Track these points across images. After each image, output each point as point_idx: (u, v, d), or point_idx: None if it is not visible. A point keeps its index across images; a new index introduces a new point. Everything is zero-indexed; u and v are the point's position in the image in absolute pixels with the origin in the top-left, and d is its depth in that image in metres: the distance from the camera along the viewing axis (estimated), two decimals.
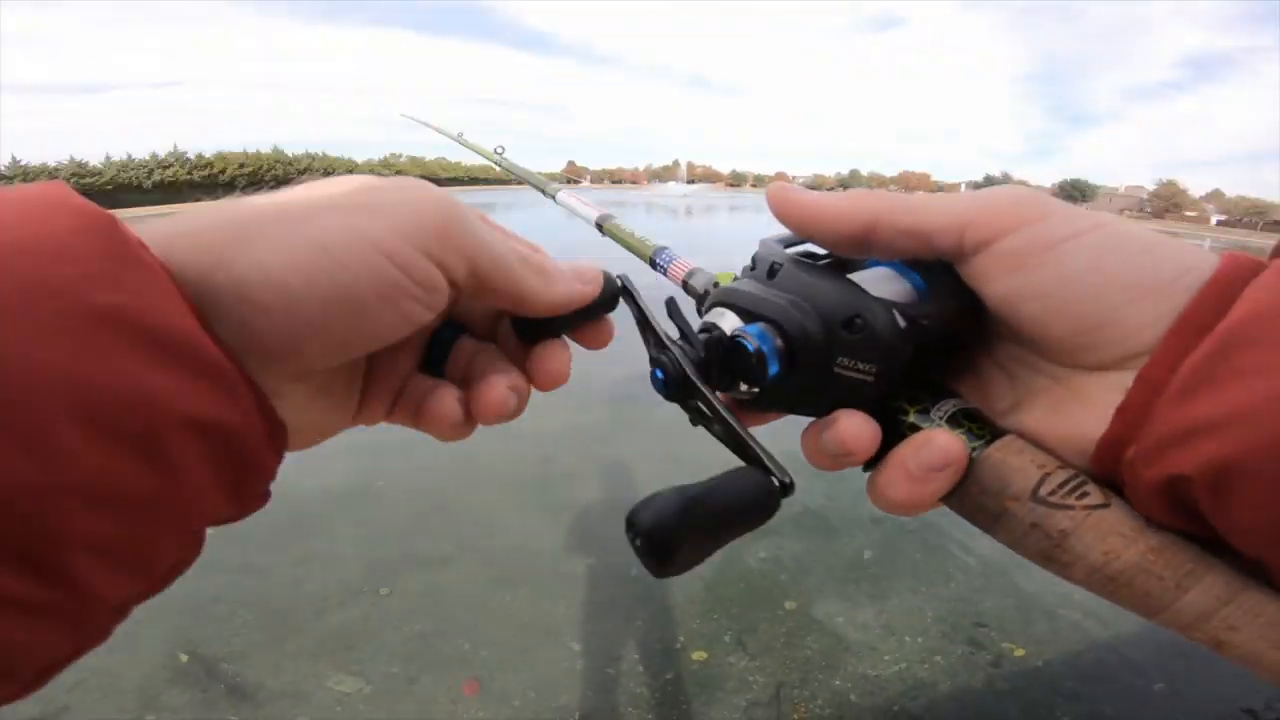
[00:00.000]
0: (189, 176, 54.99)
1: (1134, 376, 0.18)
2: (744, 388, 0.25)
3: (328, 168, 70.89)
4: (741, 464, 0.21)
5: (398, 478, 3.53)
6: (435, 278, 0.20)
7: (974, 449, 0.21)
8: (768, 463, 0.21)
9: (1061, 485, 0.20)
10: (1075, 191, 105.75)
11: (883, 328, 0.21)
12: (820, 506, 3.20)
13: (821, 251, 0.27)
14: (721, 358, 0.25)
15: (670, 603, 2.51)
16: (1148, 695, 2.15)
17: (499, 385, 0.27)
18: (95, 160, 49.69)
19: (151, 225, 0.18)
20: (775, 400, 0.26)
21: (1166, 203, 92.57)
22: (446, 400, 0.28)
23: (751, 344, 0.23)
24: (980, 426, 0.22)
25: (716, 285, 0.30)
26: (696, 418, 0.26)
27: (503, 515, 3.17)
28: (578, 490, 3.35)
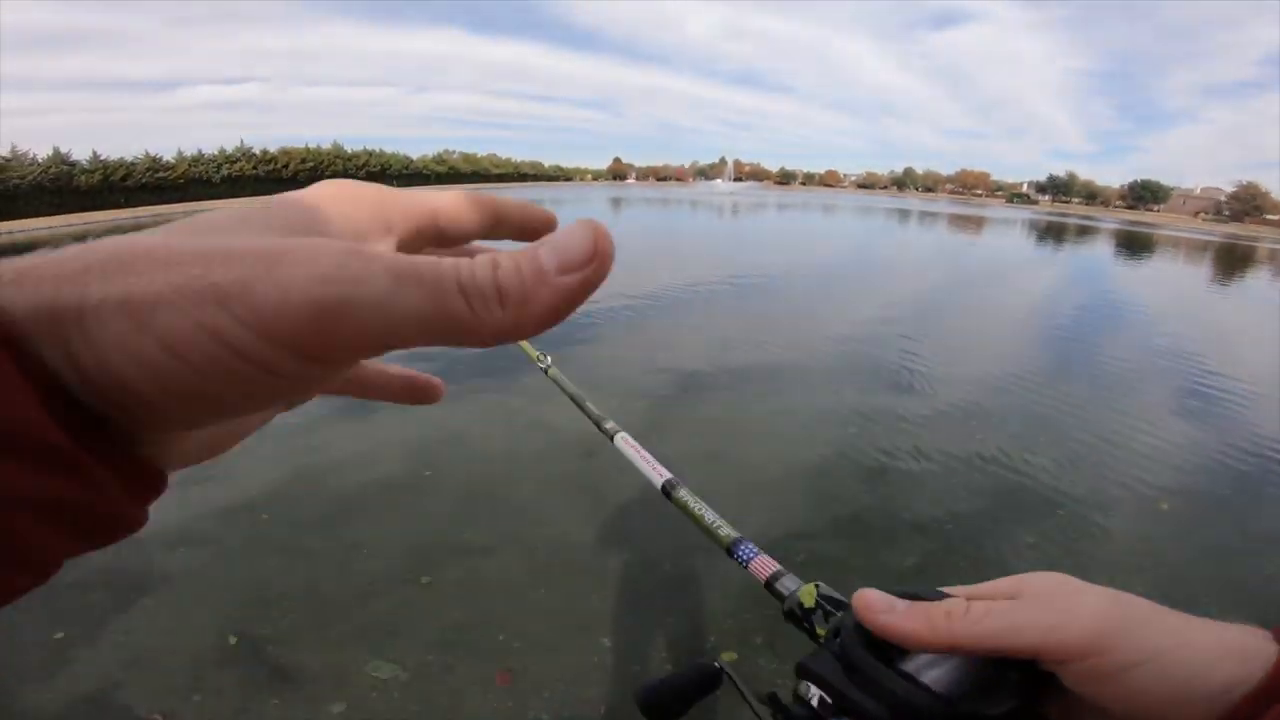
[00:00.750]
0: (254, 171, 57.56)
1: None
2: None
3: (384, 164, 73.04)
4: None
5: (445, 468, 3.60)
6: (310, 375, 0.16)
7: None
8: None
9: None
10: (1145, 192, 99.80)
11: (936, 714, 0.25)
12: (861, 510, 3.11)
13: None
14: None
15: (703, 602, 2.48)
16: None
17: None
18: (168, 155, 52.50)
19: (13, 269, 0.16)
20: None
21: (1246, 205, 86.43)
22: (386, 375, 0.27)
23: None
24: None
25: (801, 607, 0.34)
26: None
27: (544, 508, 3.19)
28: (615, 485, 3.34)
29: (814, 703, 0.28)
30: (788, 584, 0.37)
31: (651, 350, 6.02)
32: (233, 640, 2.32)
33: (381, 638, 2.32)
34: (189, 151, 54.45)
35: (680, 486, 0.46)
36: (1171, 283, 14.54)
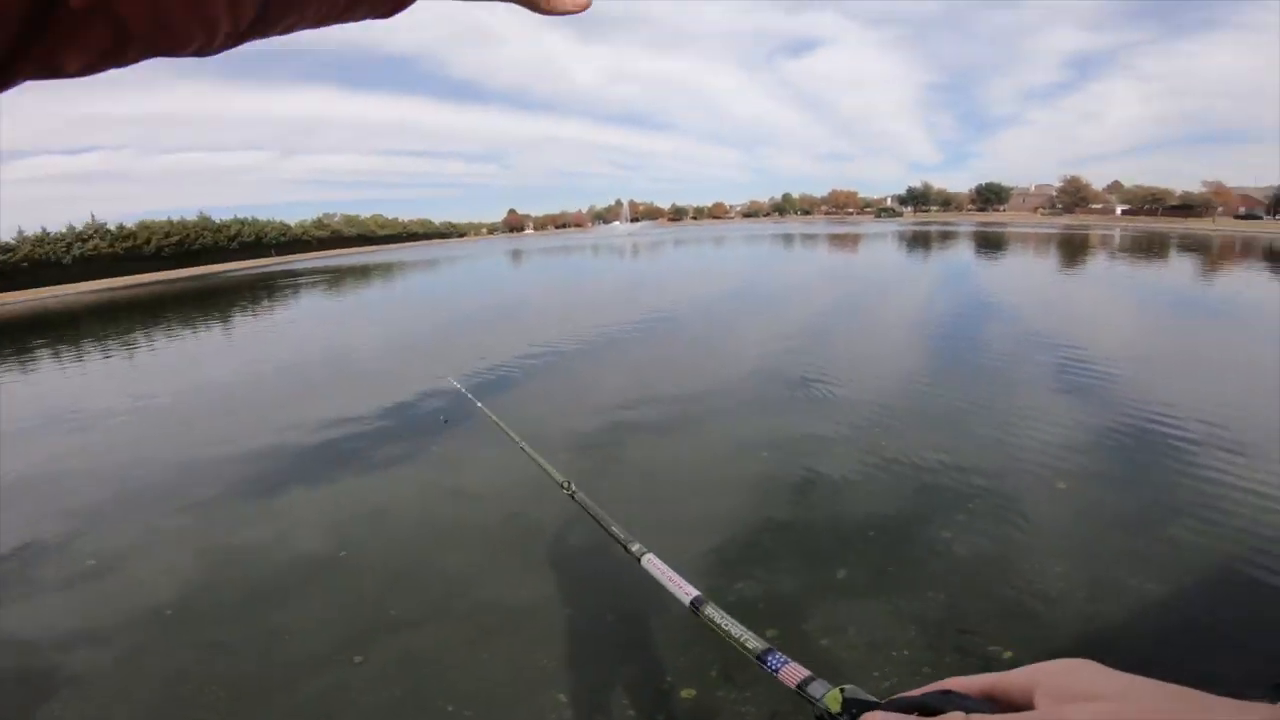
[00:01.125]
0: (111, 249, 52.65)
1: None
2: None
3: (259, 232, 68.94)
4: None
5: (362, 545, 3.41)
6: None
7: None
8: None
9: None
10: (990, 194, 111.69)
11: None
12: (792, 533, 3.22)
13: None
14: None
15: (653, 644, 2.46)
16: None
17: None
18: (7, 235, 47.04)
19: None
20: None
21: (1074, 197, 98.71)
22: None
23: None
24: None
25: (829, 711, 0.37)
26: None
27: (472, 574, 3.08)
28: (546, 542, 3.29)
29: None
30: (817, 689, 0.39)
31: (574, 397, 6.01)
32: None
33: None
34: (31, 230, 49.05)
35: (707, 604, 0.50)
36: (1027, 275, 16.28)
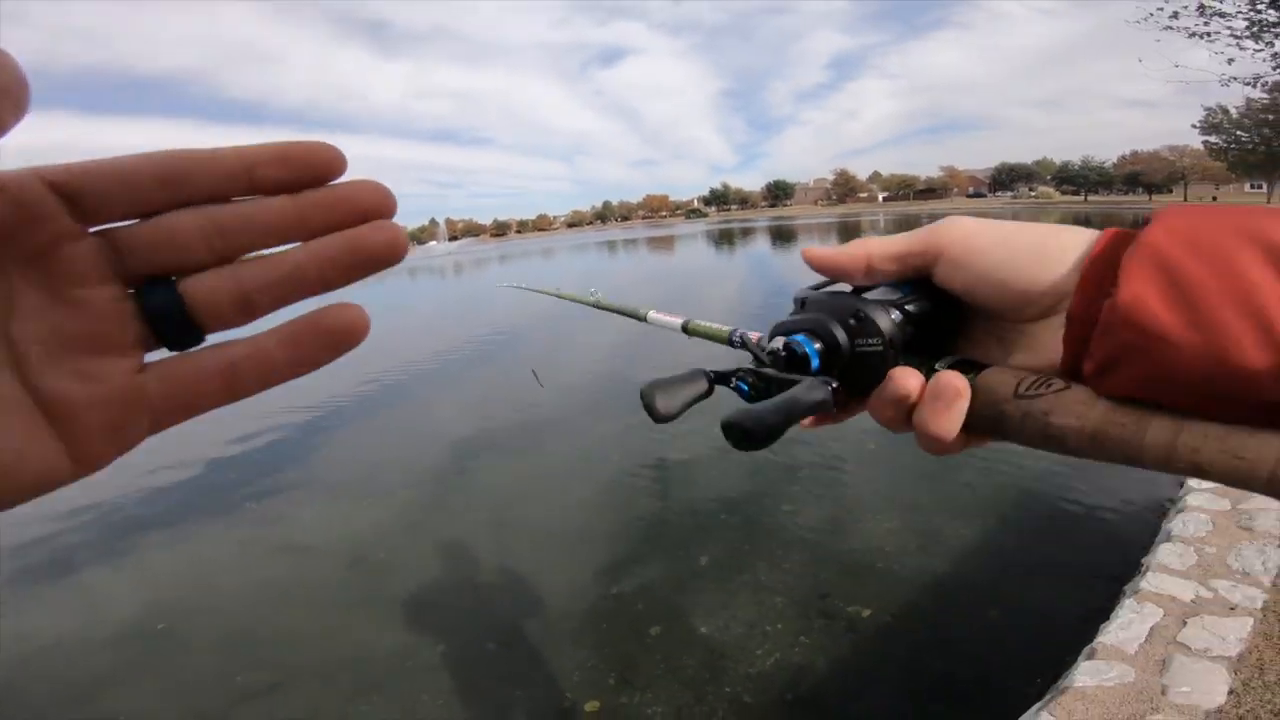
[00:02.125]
0: None
1: (1063, 319, 0.27)
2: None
3: None
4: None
5: (186, 618, 3.01)
6: None
7: (970, 378, 0.29)
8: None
9: (1034, 384, 0.28)
10: (779, 190, 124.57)
11: (878, 316, 0.31)
12: (651, 531, 3.41)
13: (848, 288, 0.35)
14: (785, 358, 0.33)
15: (543, 664, 2.49)
16: (989, 621, 2.43)
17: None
18: None
19: None
20: (843, 393, 0.33)
21: (844, 188, 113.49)
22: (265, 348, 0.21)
23: (797, 348, 0.32)
24: (973, 365, 0.30)
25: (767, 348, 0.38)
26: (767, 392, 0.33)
27: (327, 628, 2.85)
28: (401, 583, 3.12)
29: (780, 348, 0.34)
30: (765, 340, 0.40)
31: (414, 429, 5.71)
32: None
33: None
34: None
35: (692, 320, 0.53)
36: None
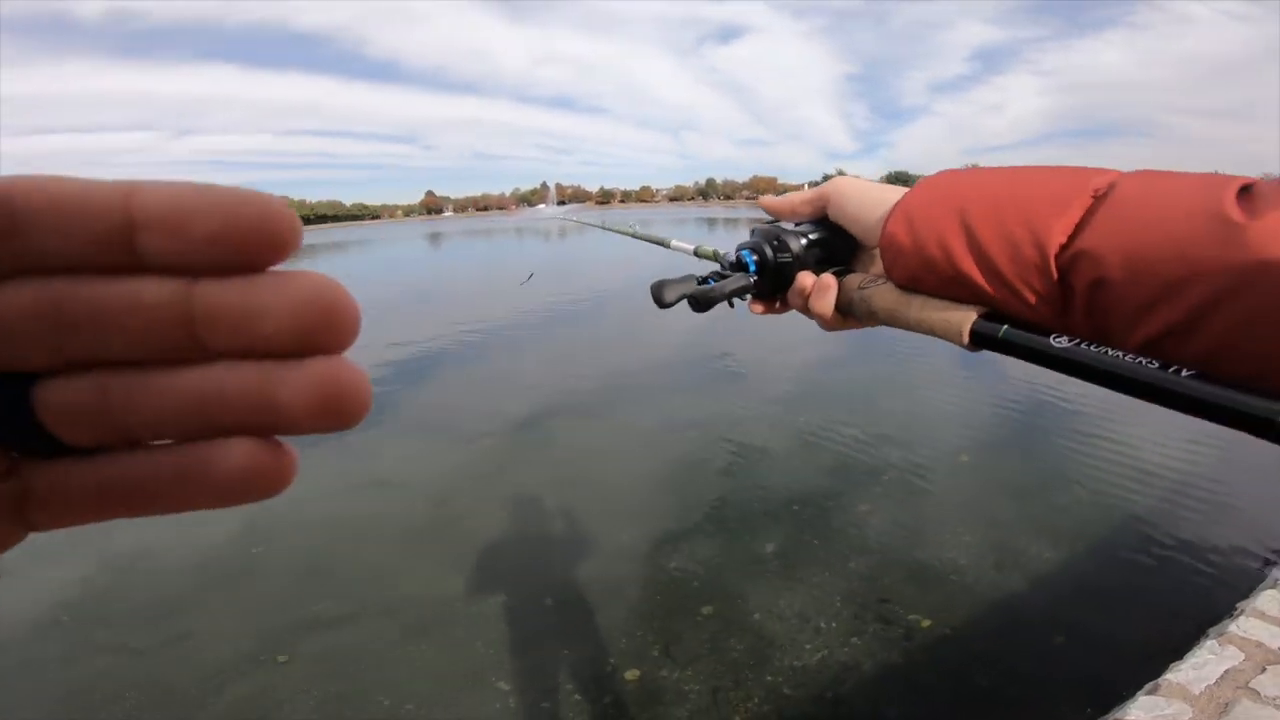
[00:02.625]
0: None
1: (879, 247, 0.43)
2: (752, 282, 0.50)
3: None
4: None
5: (277, 541, 3.25)
6: None
7: (839, 276, 0.47)
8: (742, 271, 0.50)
9: (868, 281, 0.45)
10: (901, 181, 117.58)
11: (790, 241, 0.49)
12: (716, 509, 3.33)
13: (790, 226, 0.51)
14: (734, 264, 0.50)
15: (593, 626, 2.50)
16: (1051, 648, 2.31)
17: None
18: None
19: None
20: (768, 288, 0.51)
21: None
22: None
23: (742, 258, 0.50)
24: (846, 271, 0.48)
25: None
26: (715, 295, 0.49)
27: (399, 566, 3.00)
28: (475, 529, 3.24)
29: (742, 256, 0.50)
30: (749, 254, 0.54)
31: (503, 379, 5.91)
32: None
33: None
34: None
35: (703, 245, 0.67)
36: None
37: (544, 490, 3.61)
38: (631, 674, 2.23)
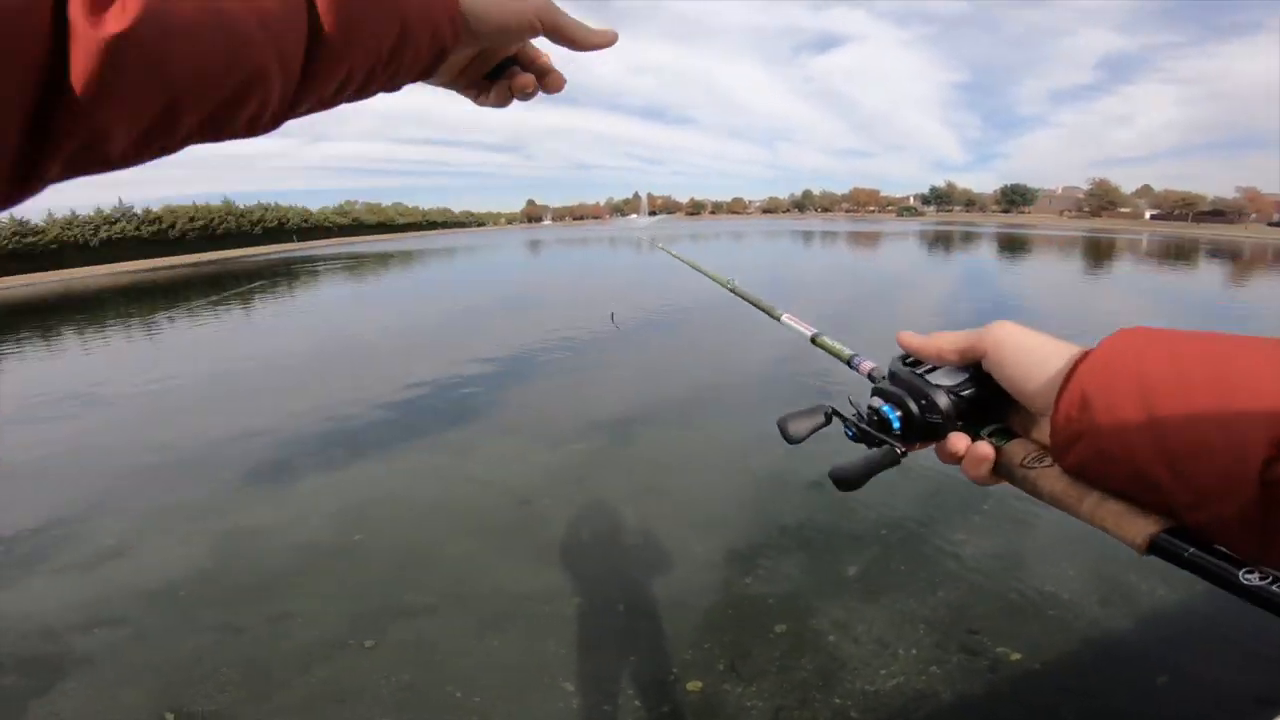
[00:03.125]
0: (137, 232, 53.55)
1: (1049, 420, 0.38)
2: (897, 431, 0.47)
3: (281, 217, 69.59)
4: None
5: (376, 531, 3.45)
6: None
7: (998, 445, 0.42)
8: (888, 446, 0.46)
9: (1032, 458, 0.40)
10: (1016, 196, 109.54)
11: (939, 398, 0.44)
12: (803, 531, 3.20)
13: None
14: (875, 421, 0.47)
15: (661, 635, 2.47)
16: (1153, 688, 2.13)
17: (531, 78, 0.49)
18: (36, 218, 48.00)
19: None
20: (912, 436, 0.46)
21: (1101, 200, 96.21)
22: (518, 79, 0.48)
23: (886, 415, 0.47)
24: (1005, 434, 0.43)
25: (883, 376, 0.51)
26: (865, 442, 0.48)
27: (484, 561, 3.10)
28: (557, 531, 3.30)
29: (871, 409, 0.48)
30: (877, 373, 0.54)
31: (596, 387, 6.03)
32: (170, 717, 2.17)
33: (330, 705, 2.21)
34: (60, 214, 49.94)
35: (822, 335, 0.65)
36: (1052, 278, 16.00)
37: (627, 497, 3.63)
38: (694, 685, 2.18)
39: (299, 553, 3.25)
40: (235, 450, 4.83)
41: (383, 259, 33.34)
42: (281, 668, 2.41)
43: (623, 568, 3.00)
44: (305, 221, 73.83)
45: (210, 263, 43.67)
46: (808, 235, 41.15)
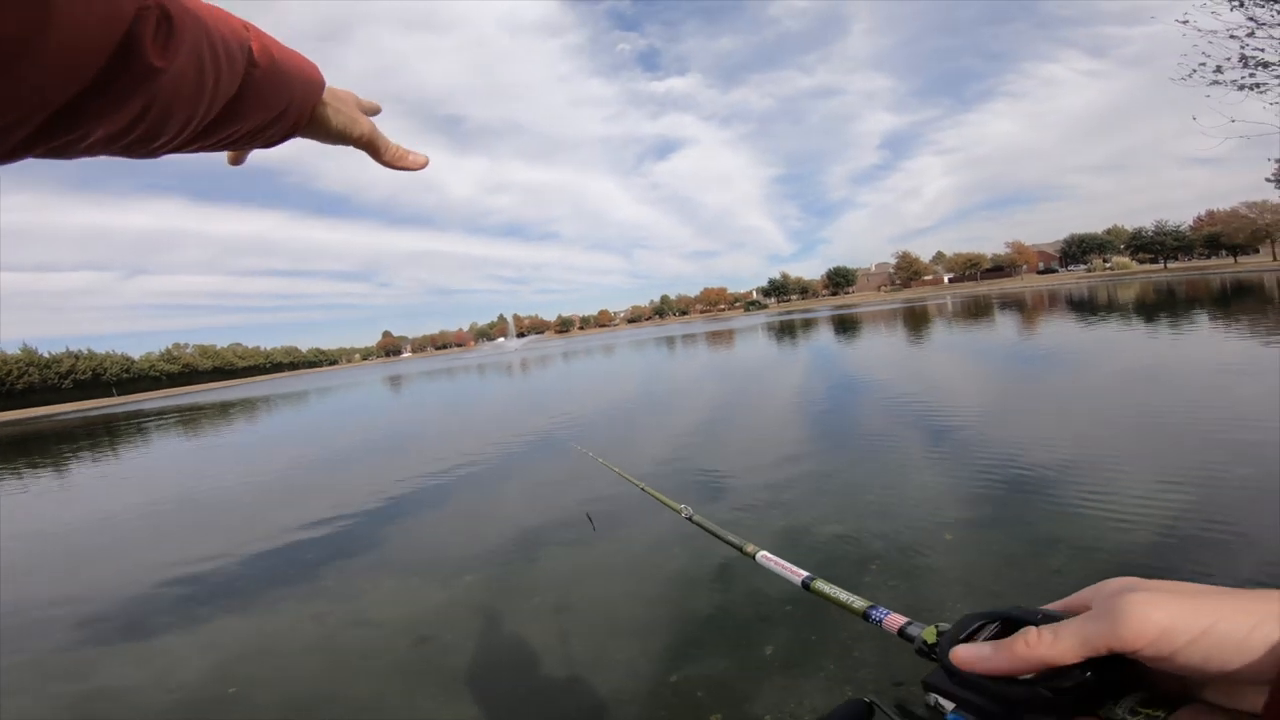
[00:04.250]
0: None
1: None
2: None
3: (96, 367, 60.57)
4: None
5: (251, 682, 3.04)
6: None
7: (1160, 717, 0.32)
8: None
9: None
10: (840, 278, 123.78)
11: (1034, 700, 0.33)
12: (717, 620, 3.23)
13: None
14: None
15: None
16: None
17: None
18: None
19: None
20: None
21: (908, 271, 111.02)
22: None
23: None
24: (1161, 703, 0.33)
25: (926, 643, 0.45)
26: None
27: (387, 702, 2.79)
28: (463, 661, 3.04)
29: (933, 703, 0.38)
30: (913, 630, 0.47)
31: (481, 516, 5.74)
32: None
33: None
34: None
35: (816, 579, 0.60)
36: (888, 349, 18.10)
37: (533, 617, 3.44)
38: None
39: (161, 714, 2.85)
40: (87, 610, 4.18)
41: (223, 409, 30.10)
42: None
43: (544, 686, 2.81)
44: (126, 371, 64.97)
45: (8, 424, 36.64)
46: (670, 340, 43.39)
